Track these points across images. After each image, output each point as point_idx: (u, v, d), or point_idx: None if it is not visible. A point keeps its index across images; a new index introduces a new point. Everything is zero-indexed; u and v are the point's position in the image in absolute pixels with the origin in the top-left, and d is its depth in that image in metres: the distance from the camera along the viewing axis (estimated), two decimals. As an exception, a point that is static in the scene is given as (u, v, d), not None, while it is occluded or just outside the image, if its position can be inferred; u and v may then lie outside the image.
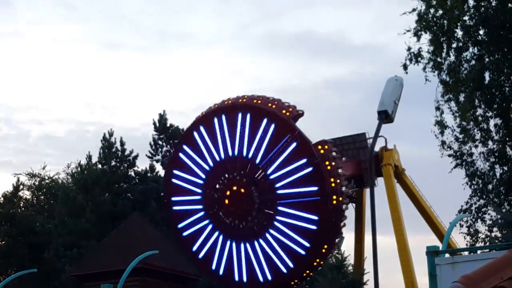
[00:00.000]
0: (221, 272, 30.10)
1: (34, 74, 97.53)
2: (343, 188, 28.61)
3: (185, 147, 31.00)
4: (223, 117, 30.33)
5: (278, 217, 28.89)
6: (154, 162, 47.80)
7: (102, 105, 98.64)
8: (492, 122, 25.22)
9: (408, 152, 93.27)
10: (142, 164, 48.08)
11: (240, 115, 29.94)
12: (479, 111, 25.27)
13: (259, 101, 30.20)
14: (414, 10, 25.04)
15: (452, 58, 25.08)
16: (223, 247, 30.13)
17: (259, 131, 29.59)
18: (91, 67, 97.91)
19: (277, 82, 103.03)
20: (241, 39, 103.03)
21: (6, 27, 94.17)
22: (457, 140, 25.64)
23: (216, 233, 30.23)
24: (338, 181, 28.06)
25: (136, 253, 23.50)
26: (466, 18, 24.70)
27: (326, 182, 27.94)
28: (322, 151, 28.55)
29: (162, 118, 48.47)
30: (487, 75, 24.82)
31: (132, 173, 47.62)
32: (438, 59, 25.03)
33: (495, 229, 24.25)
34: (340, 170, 28.61)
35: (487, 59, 24.79)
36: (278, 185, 28.79)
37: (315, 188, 28.17)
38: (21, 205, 50.62)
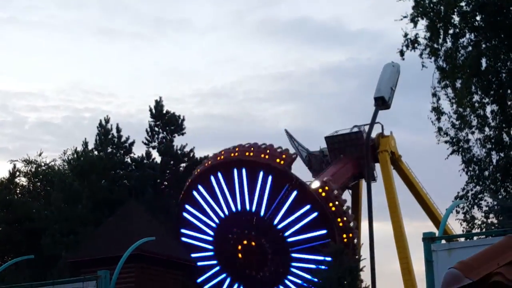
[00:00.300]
0: None
1: (30, 60, 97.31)
2: (351, 224, 28.83)
3: (188, 206, 31.43)
4: (219, 175, 30.67)
5: (293, 263, 29.36)
6: (151, 149, 47.75)
7: (98, 91, 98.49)
8: (488, 109, 25.20)
9: (405, 138, 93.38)
10: (138, 150, 47.96)
11: (235, 171, 30.26)
12: (476, 97, 25.24)
13: (251, 153, 30.41)
14: (411, -4, 24.93)
15: (449, 44, 25.02)
16: None
17: (258, 184, 30.09)
18: (88, 54, 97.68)
19: (273, 68, 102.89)
20: (238, 25, 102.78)
21: (3, 13, 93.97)
22: (454, 127, 25.61)
23: (236, 286, 30.80)
24: (345, 218, 28.29)
25: (132, 240, 23.48)
26: (462, 4, 24.62)
27: (333, 224, 28.26)
28: (323, 194, 28.94)
29: (158, 104, 48.35)
30: (483, 61, 24.76)
31: (129, 160, 47.56)
32: (435, 45, 24.96)
33: (491, 215, 24.27)
34: (344, 207, 28.76)
35: (483, 45, 24.72)
36: (287, 233, 29.28)
37: (324, 231, 28.63)
38: (18, 191, 50.56)
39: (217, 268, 31.21)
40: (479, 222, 24.81)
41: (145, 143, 48.02)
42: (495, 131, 25.11)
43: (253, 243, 30.15)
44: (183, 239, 31.78)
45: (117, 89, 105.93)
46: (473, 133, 25.36)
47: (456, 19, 24.87)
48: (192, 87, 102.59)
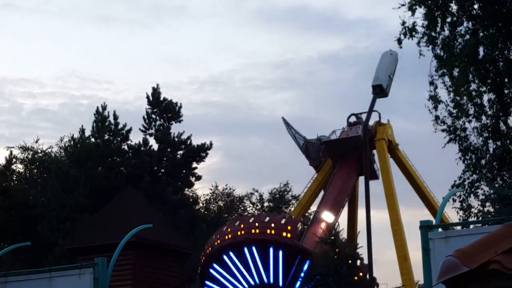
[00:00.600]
0: None
1: (27, 47, 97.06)
2: (367, 276, 28.73)
3: (208, 282, 31.98)
4: (231, 254, 31.31)
5: None
6: (148, 136, 47.77)
7: (95, 78, 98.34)
8: (485, 97, 25.18)
9: (402, 127, 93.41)
10: (135, 138, 47.97)
11: (246, 250, 30.85)
12: (473, 86, 25.22)
13: (257, 230, 30.97)
14: (409, -16, 24.86)
15: (447, 32, 24.96)
16: None
17: (270, 259, 30.79)
18: (85, 40, 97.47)
19: (271, 56, 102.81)
20: (235, 13, 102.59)
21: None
22: (451, 115, 25.60)
23: None
24: (361, 273, 28.37)
25: (129, 227, 23.49)
26: (460, -8, 24.58)
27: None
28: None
29: (156, 91, 48.30)
30: (481, 50, 24.74)
31: (126, 147, 47.57)
32: (433, 34, 24.91)
33: (487, 204, 24.31)
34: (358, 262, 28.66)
35: (481, 34, 24.69)
36: None
37: None
38: (14, 178, 50.53)
39: None
40: (476, 211, 24.86)
41: (142, 130, 48.04)
42: (492, 120, 25.11)
43: None
44: None
45: (114, 76, 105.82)
46: (470, 121, 25.37)
47: (454, 7, 24.82)
48: (189, 74, 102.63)
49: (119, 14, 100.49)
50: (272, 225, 31.30)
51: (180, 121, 48.20)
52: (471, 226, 18.03)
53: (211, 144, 48.24)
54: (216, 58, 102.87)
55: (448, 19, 24.85)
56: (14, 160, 50.78)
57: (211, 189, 57.56)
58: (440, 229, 11.89)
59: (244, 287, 31.55)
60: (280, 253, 30.77)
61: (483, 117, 25.20)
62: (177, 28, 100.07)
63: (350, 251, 27.34)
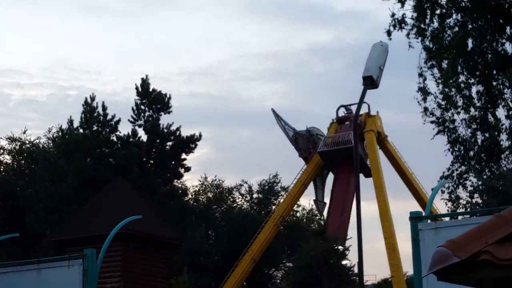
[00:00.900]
0: None
1: (14, 37, 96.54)
2: None
3: None
4: None
5: None
6: (136, 127, 47.68)
7: (84, 69, 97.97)
8: (474, 89, 25.29)
9: (391, 118, 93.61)
10: (124, 129, 47.85)
11: None
12: (462, 78, 25.31)
13: None
14: (398, -25, 24.86)
15: (436, 24, 25.03)
16: None
17: None
18: (73, 30, 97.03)
19: (260, 48, 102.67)
20: (225, 4, 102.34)
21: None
22: (440, 107, 25.67)
23: None
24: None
25: (118, 218, 23.41)
26: (449, -16, 24.62)
27: None
28: None
29: (145, 83, 48.18)
30: (470, 42, 24.82)
31: (114, 138, 47.45)
32: (422, 26, 24.97)
33: (476, 195, 24.41)
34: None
35: (470, 26, 24.76)
36: None
37: None
38: (2, 169, 50.32)
39: None
40: (464, 202, 24.96)
41: (131, 122, 47.92)
42: (480, 112, 25.21)
43: None
44: None
45: (103, 66, 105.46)
46: (458, 113, 25.46)
47: (443, -1, 24.89)
48: (178, 65, 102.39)
49: (108, 5, 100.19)
50: None
51: (169, 112, 48.14)
52: (459, 217, 18.10)
53: (200, 135, 48.26)
54: (205, 49, 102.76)
55: (437, 11, 24.91)
56: (1, 151, 50.62)
57: (200, 181, 57.61)
58: (429, 220, 11.92)
59: None
60: None
61: (472, 109, 25.30)
62: (167, 19, 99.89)
63: (339, 242, 27.46)
